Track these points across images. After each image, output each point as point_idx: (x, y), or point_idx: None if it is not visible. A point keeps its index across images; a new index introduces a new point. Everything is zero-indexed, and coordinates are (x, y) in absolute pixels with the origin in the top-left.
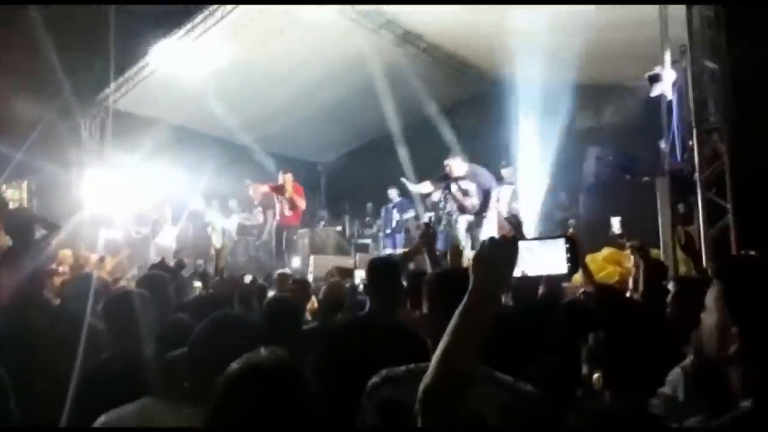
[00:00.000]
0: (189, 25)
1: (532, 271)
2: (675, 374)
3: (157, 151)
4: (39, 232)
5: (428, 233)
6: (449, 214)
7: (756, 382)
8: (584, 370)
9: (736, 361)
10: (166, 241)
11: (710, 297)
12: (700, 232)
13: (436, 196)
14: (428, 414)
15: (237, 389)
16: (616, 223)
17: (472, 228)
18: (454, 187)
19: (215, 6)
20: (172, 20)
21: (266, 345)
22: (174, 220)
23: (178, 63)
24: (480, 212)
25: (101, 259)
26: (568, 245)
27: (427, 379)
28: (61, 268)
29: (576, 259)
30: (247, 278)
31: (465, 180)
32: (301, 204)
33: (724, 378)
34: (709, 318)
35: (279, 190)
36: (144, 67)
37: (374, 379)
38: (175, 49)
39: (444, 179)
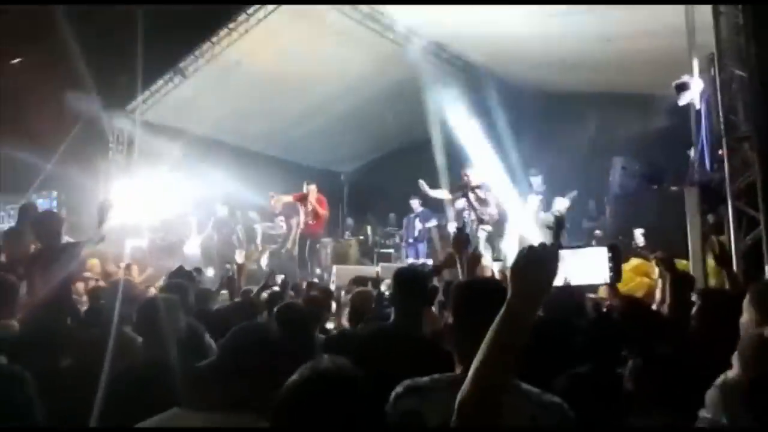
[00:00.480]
0: (214, 38)
1: (574, 280)
2: (713, 395)
3: (182, 161)
4: (66, 239)
5: (461, 238)
6: (470, 223)
7: None
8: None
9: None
10: (192, 249)
11: (747, 298)
12: (731, 243)
13: (460, 204)
14: (465, 425)
15: (303, 397)
16: (639, 236)
17: (492, 238)
18: (472, 197)
19: (241, 18)
20: (199, 32)
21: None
22: (199, 229)
23: (204, 75)
24: (499, 222)
25: (128, 267)
26: (611, 254)
27: (464, 391)
28: (89, 275)
29: (619, 269)
30: (279, 278)
31: (482, 189)
32: (324, 213)
33: None
34: (746, 316)
35: (302, 199)
36: (170, 80)
37: (397, 389)
38: (200, 63)
39: (461, 188)
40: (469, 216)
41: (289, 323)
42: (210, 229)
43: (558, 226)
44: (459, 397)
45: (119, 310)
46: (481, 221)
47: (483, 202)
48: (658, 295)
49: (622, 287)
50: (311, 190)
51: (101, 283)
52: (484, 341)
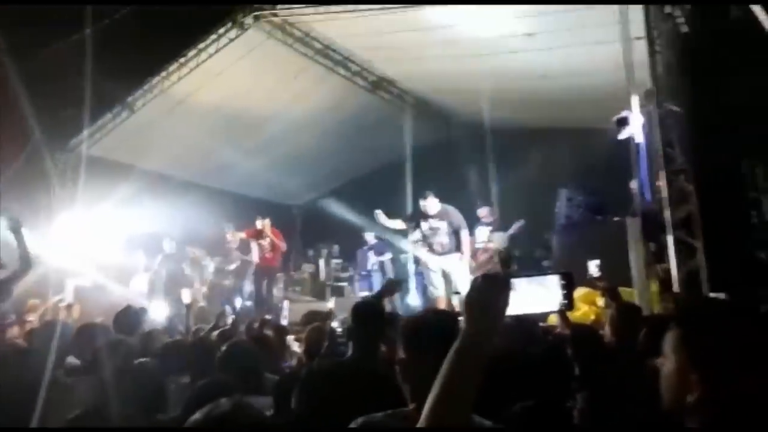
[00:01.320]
0: (164, 73)
1: (528, 309)
2: None
3: (130, 196)
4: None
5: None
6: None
7: (718, 428)
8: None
9: (694, 410)
10: (139, 287)
11: (668, 343)
12: (671, 271)
13: (414, 236)
14: None
15: None
16: (593, 267)
17: (446, 272)
18: (424, 226)
19: (191, 53)
20: (147, 67)
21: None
22: (146, 267)
23: (153, 109)
24: (448, 252)
25: (68, 307)
26: (564, 282)
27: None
28: (30, 317)
29: (571, 296)
30: (229, 318)
31: (436, 219)
32: (282, 246)
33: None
34: (668, 365)
35: (258, 234)
36: (118, 114)
37: (352, 426)
38: (148, 97)
39: (414, 218)
40: (422, 248)
41: (236, 362)
42: (157, 265)
43: (503, 262)
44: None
45: (55, 353)
46: (431, 249)
47: (434, 231)
48: (607, 326)
49: (570, 315)
50: (265, 224)
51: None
52: (438, 376)
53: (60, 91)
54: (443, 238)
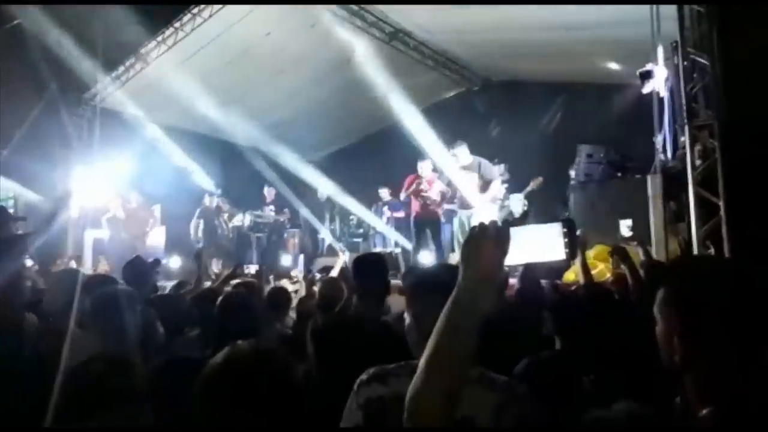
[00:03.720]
0: (177, 24)
1: (529, 259)
2: None
3: (146, 149)
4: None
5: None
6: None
7: (709, 389)
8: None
9: (683, 369)
10: (156, 240)
11: (657, 302)
12: (692, 229)
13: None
14: (416, 421)
15: (220, 380)
16: (624, 227)
17: (468, 221)
18: (457, 178)
19: (203, 6)
20: (159, 19)
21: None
22: (163, 220)
23: (166, 62)
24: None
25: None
26: (565, 229)
27: (414, 385)
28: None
29: (574, 244)
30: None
31: (470, 171)
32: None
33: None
34: (659, 324)
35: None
36: (132, 66)
37: (362, 377)
38: (161, 49)
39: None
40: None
41: (228, 313)
42: (196, 218)
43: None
44: (409, 390)
45: (75, 301)
46: (462, 204)
47: (465, 184)
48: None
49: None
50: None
51: None
52: (434, 328)
53: (75, 44)
54: (476, 192)
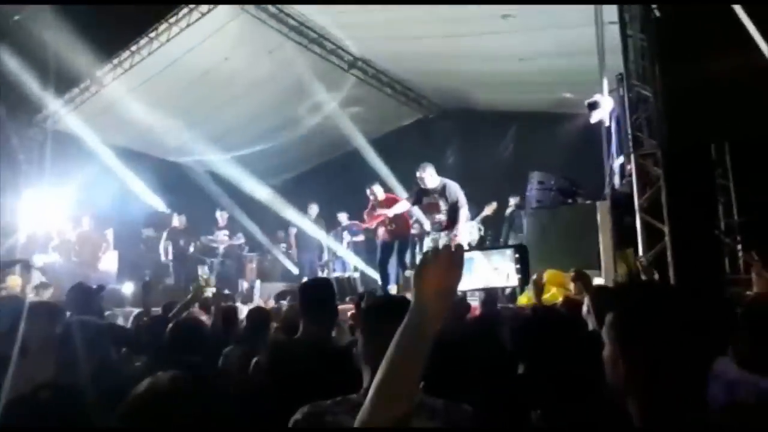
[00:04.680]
0: (134, 47)
1: (482, 284)
2: None
3: (98, 172)
4: None
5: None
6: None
7: (648, 413)
8: None
9: (626, 393)
10: (108, 265)
11: (605, 327)
12: (639, 255)
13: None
14: None
15: (136, 414)
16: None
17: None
18: (424, 201)
19: (162, 27)
20: (117, 43)
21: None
22: (116, 245)
23: (122, 85)
24: (447, 228)
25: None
26: (517, 255)
27: (363, 416)
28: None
29: (527, 271)
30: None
31: (435, 194)
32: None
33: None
34: (606, 348)
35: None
36: (86, 89)
37: (296, 416)
38: (117, 72)
39: (417, 193)
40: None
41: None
42: (164, 240)
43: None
44: (358, 419)
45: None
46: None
47: (435, 207)
48: (584, 309)
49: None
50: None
51: None
52: (386, 353)
53: (28, 66)
54: (441, 215)
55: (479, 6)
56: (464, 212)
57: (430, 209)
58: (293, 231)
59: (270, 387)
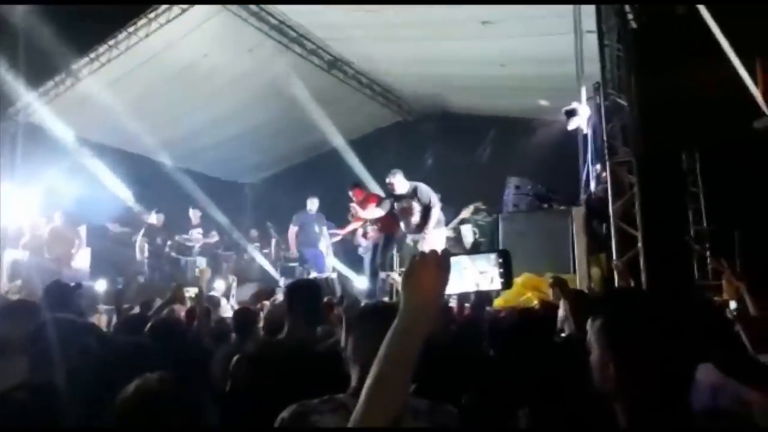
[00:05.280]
0: (111, 42)
1: (467, 288)
2: None
3: (72, 168)
4: None
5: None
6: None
7: (636, 416)
8: None
9: (616, 396)
10: (81, 263)
11: (592, 332)
12: (613, 260)
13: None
14: None
15: (127, 415)
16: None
17: (415, 247)
18: (397, 206)
19: (141, 22)
20: (93, 36)
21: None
22: (88, 240)
23: (99, 79)
24: (420, 229)
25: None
26: (500, 260)
27: (357, 417)
28: None
29: (510, 274)
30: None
31: (407, 198)
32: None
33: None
34: (593, 352)
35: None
36: (61, 82)
37: (283, 414)
38: (94, 66)
39: (389, 197)
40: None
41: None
42: (140, 237)
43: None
44: (351, 421)
45: None
46: (407, 229)
47: (407, 210)
48: (561, 315)
49: (513, 300)
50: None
51: None
52: (376, 358)
53: (1, 57)
54: (416, 217)
55: (460, 10)
56: (435, 212)
57: (404, 213)
58: (294, 229)
59: (254, 387)
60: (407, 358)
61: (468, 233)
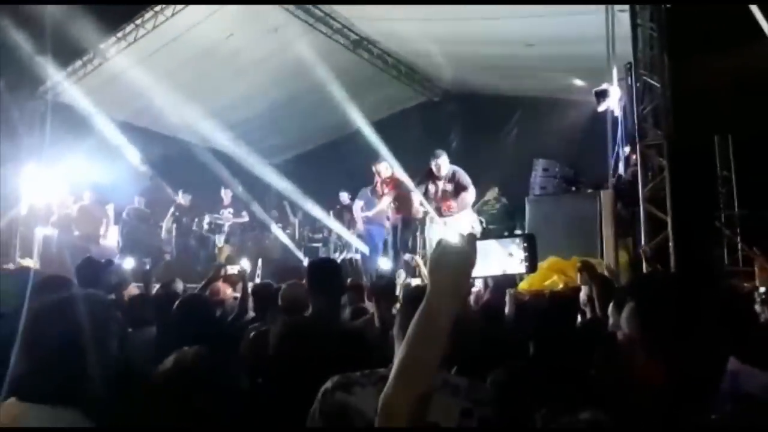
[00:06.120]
0: (138, 21)
1: (492, 271)
2: None
3: (100, 147)
4: None
5: None
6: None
7: (668, 398)
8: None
9: (645, 380)
10: (110, 240)
11: (624, 314)
12: (641, 243)
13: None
14: (388, 426)
15: (165, 389)
16: None
17: (446, 228)
18: (432, 188)
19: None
20: (121, 16)
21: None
22: (116, 219)
23: (125, 59)
24: (452, 211)
25: None
26: (525, 244)
27: (386, 391)
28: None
29: (534, 258)
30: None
31: (443, 180)
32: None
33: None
34: (621, 333)
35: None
36: (89, 61)
37: (327, 385)
38: (121, 45)
39: (425, 180)
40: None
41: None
42: (169, 217)
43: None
44: (381, 397)
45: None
46: (439, 212)
47: (445, 193)
48: (583, 297)
49: (539, 284)
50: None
51: None
52: (405, 337)
53: (30, 37)
54: (451, 201)
55: None
56: (470, 197)
57: (440, 195)
58: (360, 203)
59: (284, 364)
60: (434, 338)
61: (475, 221)
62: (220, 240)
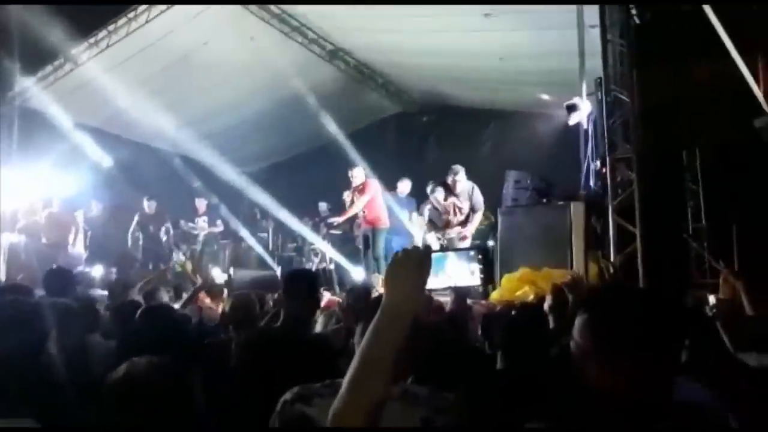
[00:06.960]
0: (111, 27)
1: (447, 283)
2: None
3: (70, 153)
4: None
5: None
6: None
7: (616, 412)
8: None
9: (596, 389)
10: (78, 248)
11: (576, 327)
12: (610, 256)
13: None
14: None
15: (114, 398)
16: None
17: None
18: (447, 201)
19: (142, 8)
20: (93, 20)
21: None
22: (85, 226)
23: (98, 64)
24: (453, 227)
25: None
26: (479, 256)
27: (337, 403)
28: None
29: (490, 271)
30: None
31: (459, 197)
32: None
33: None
34: (574, 347)
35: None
36: (60, 67)
37: (286, 396)
38: (93, 51)
39: (443, 187)
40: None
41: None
42: (134, 225)
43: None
44: (332, 409)
45: None
46: (447, 225)
47: (458, 210)
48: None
49: (510, 295)
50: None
51: None
52: (360, 347)
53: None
54: (459, 216)
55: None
56: (478, 217)
57: (452, 210)
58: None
59: (247, 374)
60: (387, 346)
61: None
62: (178, 256)
